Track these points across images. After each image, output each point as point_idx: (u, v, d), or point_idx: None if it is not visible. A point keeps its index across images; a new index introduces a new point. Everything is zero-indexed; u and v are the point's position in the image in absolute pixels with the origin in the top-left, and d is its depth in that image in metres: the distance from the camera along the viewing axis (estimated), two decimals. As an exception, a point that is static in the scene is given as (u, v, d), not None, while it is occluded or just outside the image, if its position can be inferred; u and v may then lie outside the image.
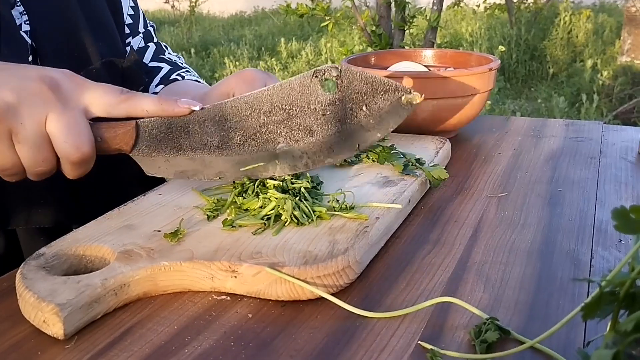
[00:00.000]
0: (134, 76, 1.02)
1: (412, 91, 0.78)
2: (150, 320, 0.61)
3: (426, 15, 3.40)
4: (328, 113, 0.79)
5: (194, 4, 8.78)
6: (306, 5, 3.45)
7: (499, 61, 1.16)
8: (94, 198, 0.93)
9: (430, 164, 0.91)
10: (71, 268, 0.67)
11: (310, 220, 0.72)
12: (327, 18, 3.43)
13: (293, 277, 0.62)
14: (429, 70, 1.19)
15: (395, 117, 0.79)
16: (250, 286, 0.64)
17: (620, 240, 0.76)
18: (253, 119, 0.78)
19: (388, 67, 1.23)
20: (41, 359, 0.56)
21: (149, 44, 1.14)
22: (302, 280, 0.62)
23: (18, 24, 0.88)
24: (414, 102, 0.78)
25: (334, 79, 0.78)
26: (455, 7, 6.38)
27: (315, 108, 0.79)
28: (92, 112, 0.71)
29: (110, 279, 0.62)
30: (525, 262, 0.71)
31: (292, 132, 0.79)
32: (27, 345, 0.58)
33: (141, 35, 1.12)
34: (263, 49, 7.50)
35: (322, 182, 0.83)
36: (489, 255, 0.73)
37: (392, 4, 3.38)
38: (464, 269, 0.70)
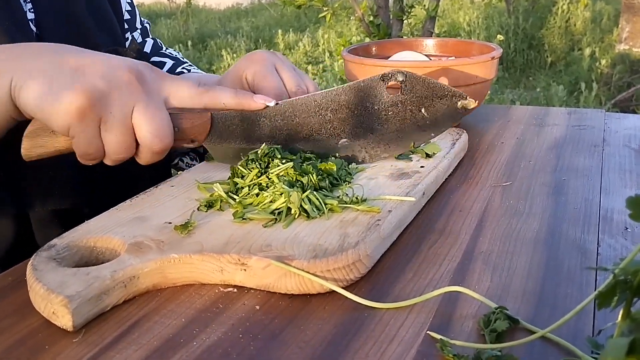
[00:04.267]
0: None
1: (467, 97, 0.86)
2: (158, 313, 0.61)
3: (424, 5, 3.39)
4: (390, 113, 0.86)
5: (190, -4, 8.75)
6: (304, -5, 3.44)
7: (501, 50, 1.16)
8: (108, 183, 0.94)
9: (445, 156, 0.90)
10: (82, 259, 0.67)
11: (321, 213, 0.72)
12: (324, 9, 3.42)
13: (302, 270, 0.62)
14: (430, 59, 1.19)
15: (450, 120, 0.88)
16: (260, 279, 0.63)
17: (627, 229, 0.76)
18: (320, 116, 0.85)
19: (389, 57, 1.23)
20: (49, 353, 0.56)
21: (146, 39, 1.14)
22: (312, 274, 0.62)
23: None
24: (469, 107, 0.86)
25: (399, 82, 0.84)
26: (453, -4, 6.36)
27: (378, 108, 0.85)
28: (171, 103, 0.74)
29: (120, 271, 0.62)
30: (531, 251, 0.71)
31: (355, 129, 0.86)
32: (35, 338, 0.58)
33: (139, 30, 1.12)
34: (260, 40, 7.48)
35: (350, 174, 0.83)
36: (495, 244, 0.72)
37: (390, -6, 3.37)
38: (471, 259, 0.69)
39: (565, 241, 0.73)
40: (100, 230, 0.70)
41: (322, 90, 0.85)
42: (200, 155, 1.17)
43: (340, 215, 0.72)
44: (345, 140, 0.86)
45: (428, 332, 0.56)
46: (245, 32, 7.81)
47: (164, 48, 1.18)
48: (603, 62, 5.46)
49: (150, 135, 0.71)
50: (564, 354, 0.53)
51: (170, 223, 0.71)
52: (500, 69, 5.76)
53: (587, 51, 5.74)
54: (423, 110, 0.85)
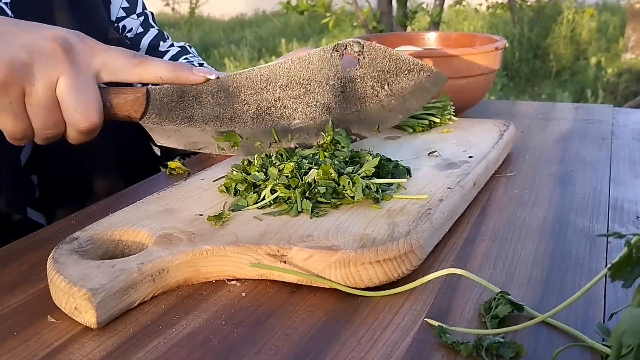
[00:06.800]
0: None
1: (435, 70, 0.75)
2: (136, 299, 0.57)
3: (428, 11, 3.37)
4: (347, 90, 0.75)
5: (194, 6, 8.76)
6: (307, 1, 3.42)
7: (505, 41, 1.12)
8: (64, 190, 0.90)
9: (493, 146, 0.85)
10: (107, 254, 0.62)
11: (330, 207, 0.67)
12: (327, 15, 3.40)
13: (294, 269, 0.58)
14: (433, 51, 1.15)
15: (419, 98, 0.76)
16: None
17: (638, 217, 0.72)
18: (268, 93, 0.76)
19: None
20: (29, 332, 0.52)
21: (150, 29, 1.09)
22: (361, 265, 0.56)
23: None
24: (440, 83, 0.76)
25: (355, 54, 0.74)
26: (457, 6, 6.34)
27: (334, 84, 0.75)
28: (103, 76, 0.69)
29: (148, 263, 0.57)
30: (537, 239, 0.67)
31: (309, 108, 0.76)
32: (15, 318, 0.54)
33: (137, 16, 1.07)
34: (264, 50, 7.47)
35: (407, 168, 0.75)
36: (499, 232, 0.68)
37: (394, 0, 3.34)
38: (472, 246, 0.65)
39: (573, 230, 0.69)
40: (126, 223, 0.65)
41: (271, 63, 0.76)
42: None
43: (387, 204, 0.67)
44: (298, 121, 0.76)
45: (425, 319, 0.52)
46: (248, 41, 7.80)
47: (170, 40, 1.13)
48: (609, 71, 5.42)
49: (76, 113, 0.66)
50: (570, 340, 0.49)
51: (201, 215, 0.66)
52: (505, 78, 5.73)
53: (593, 60, 5.71)
54: (386, 86, 0.75)
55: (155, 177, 0.91)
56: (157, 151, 1.06)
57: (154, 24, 1.11)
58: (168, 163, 0.91)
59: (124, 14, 1.05)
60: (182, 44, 1.13)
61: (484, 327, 0.51)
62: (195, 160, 0.96)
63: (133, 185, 0.87)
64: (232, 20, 10.12)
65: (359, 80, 0.75)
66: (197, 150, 0.77)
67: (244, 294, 0.58)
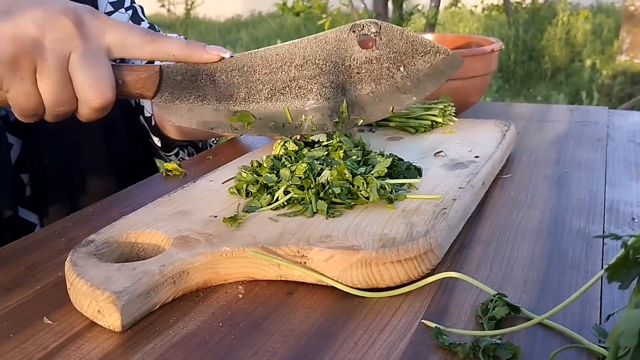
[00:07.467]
0: None
1: (451, 52, 0.75)
2: (133, 301, 0.57)
3: (423, 13, 3.37)
4: (363, 71, 0.75)
5: (189, 7, 8.76)
6: (302, 3, 3.42)
7: (501, 43, 1.12)
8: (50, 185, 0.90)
9: (497, 146, 0.86)
10: (122, 256, 0.62)
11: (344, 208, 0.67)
12: (323, 16, 3.40)
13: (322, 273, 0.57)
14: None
15: (434, 81, 0.76)
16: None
17: (634, 219, 0.72)
18: (283, 72, 0.75)
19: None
20: (25, 334, 0.52)
21: (140, 22, 1.09)
22: (382, 265, 0.57)
23: None
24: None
25: (372, 35, 0.74)
26: (453, 7, 6.36)
27: (350, 65, 0.75)
28: (114, 52, 0.67)
29: (169, 265, 0.56)
30: (533, 241, 0.67)
31: (324, 89, 0.76)
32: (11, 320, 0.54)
33: (125, 10, 1.07)
34: (260, 51, 7.46)
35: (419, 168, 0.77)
36: (495, 234, 0.69)
37: (389, 1, 3.35)
38: (469, 248, 0.65)
39: (569, 231, 0.69)
40: (140, 225, 0.65)
41: (286, 42, 0.75)
42: (199, 149, 1.13)
43: (402, 203, 0.67)
44: (313, 102, 0.75)
45: (422, 321, 0.52)
46: (244, 43, 7.81)
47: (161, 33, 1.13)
48: (604, 73, 5.44)
49: (90, 89, 0.64)
50: (567, 342, 0.49)
51: (215, 217, 0.66)
52: (501, 80, 5.74)
53: (588, 62, 5.72)
54: (402, 68, 0.75)
55: (152, 179, 0.91)
56: (157, 141, 1.05)
57: (144, 17, 1.11)
58: (165, 165, 0.91)
59: (112, 9, 1.05)
60: (175, 35, 1.13)
61: (480, 328, 0.51)
62: (191, 162, 0.96)
63: (129, 187, 0.87)
64: (228, 21, 10.11)
65: (374, 61, 0.75)
66: (210, 130, 0.76)
67: (240, 296, 0.58)
